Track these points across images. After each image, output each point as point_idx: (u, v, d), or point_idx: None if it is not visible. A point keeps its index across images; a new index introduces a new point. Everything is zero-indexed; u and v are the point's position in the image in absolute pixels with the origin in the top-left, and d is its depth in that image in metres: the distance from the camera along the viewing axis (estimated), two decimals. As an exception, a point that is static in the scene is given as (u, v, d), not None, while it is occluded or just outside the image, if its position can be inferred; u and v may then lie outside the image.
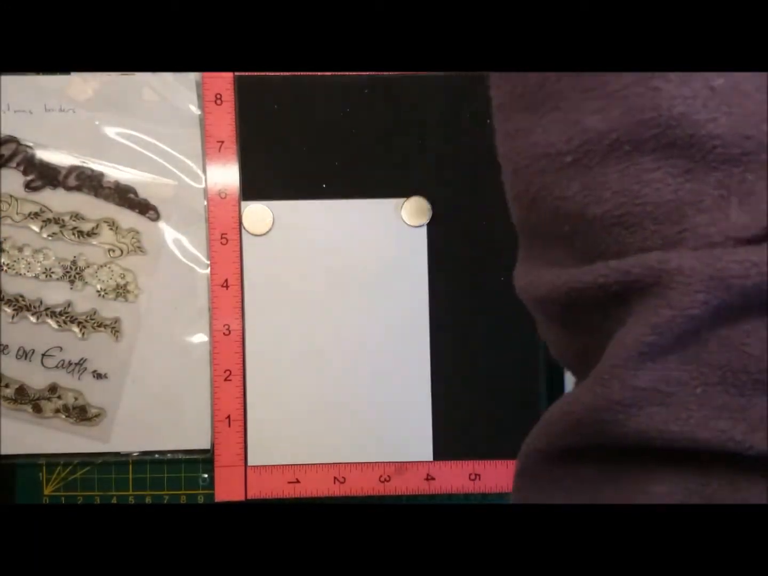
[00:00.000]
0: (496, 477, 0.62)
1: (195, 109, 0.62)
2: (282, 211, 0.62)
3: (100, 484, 0.65)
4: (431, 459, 0.62)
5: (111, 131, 0.62)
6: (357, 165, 0.62)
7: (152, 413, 0.63)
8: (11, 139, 0.61)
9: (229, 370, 0.62)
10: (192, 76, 0.62)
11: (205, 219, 0.62)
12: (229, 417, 0.62)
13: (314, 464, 0.62)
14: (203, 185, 0.63)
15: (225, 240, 0.61)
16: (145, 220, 0.63)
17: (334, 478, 0.62)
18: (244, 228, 0.61)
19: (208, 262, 0.62)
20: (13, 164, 0.62)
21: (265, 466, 0.62)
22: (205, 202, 0.62)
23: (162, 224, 0.63)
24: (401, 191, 0.62)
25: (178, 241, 0.63)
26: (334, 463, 0.62)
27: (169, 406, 0.63)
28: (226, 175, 0.62)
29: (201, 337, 0.63)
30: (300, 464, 0.62)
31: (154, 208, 0.63)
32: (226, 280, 0.62)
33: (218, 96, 0.61)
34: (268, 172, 0.62)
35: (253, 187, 0.62)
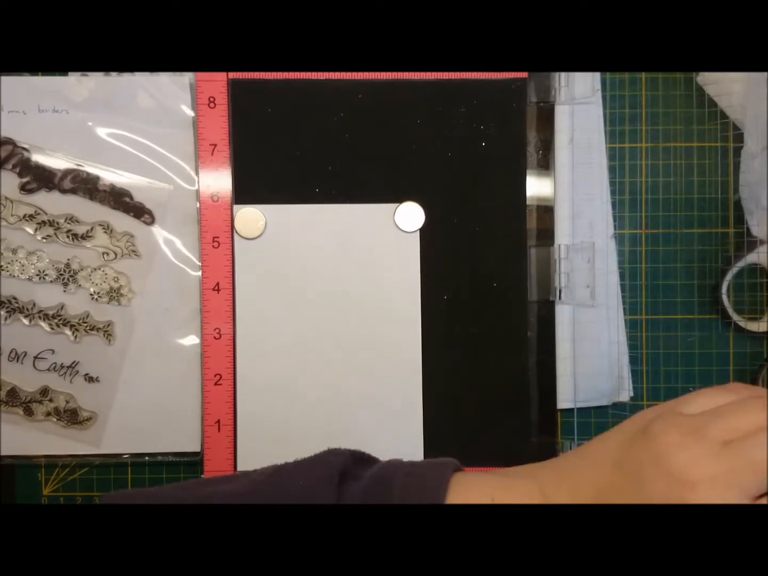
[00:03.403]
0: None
1: (189, 111, 0.62)
2: (274, 215, 0.61)
3: (98, 485, 0.65)
4: None
5: (105, 132, 0.62)
6: (350, 170, 0.62)
7: (144, 417, 0.63)
8: (8, 141, 0.61)
9: (219, 374, 0.62)
10: (186, 78, 0.62)
11: (198, 222, 0.62)
12: (218, 421, 0.61)
13: None
14: (196, 187, 0.62)
15: (217, 243, 0.61)
16: (140, 223, 0.63)
17: None
18: (236, 232, 0.61)
19: (200, 264, 0.62)
20: (9, 166, 0.62)
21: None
22: (198, 205, 0.62)
23: (156, 228, 0.63)
24: (394, 196, 0.61)
25: (171, 243, 0.63)
26: None
27: (160, 409, 0.63)
28: (219, 178, 0.61)
29: (193, 340, 0.63)
30: None
31: (149, 212, 0.63)
32: (218, 284, 0.61)
33: (211, 99, 0.61)
34: (261, 175, 0.61)
35: (245, 191, 0.61)
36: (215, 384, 0.61)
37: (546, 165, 0.61)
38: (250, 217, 0.61)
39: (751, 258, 0.62)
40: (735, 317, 0.63)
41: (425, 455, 0.62)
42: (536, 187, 0.61)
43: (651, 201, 0.64)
